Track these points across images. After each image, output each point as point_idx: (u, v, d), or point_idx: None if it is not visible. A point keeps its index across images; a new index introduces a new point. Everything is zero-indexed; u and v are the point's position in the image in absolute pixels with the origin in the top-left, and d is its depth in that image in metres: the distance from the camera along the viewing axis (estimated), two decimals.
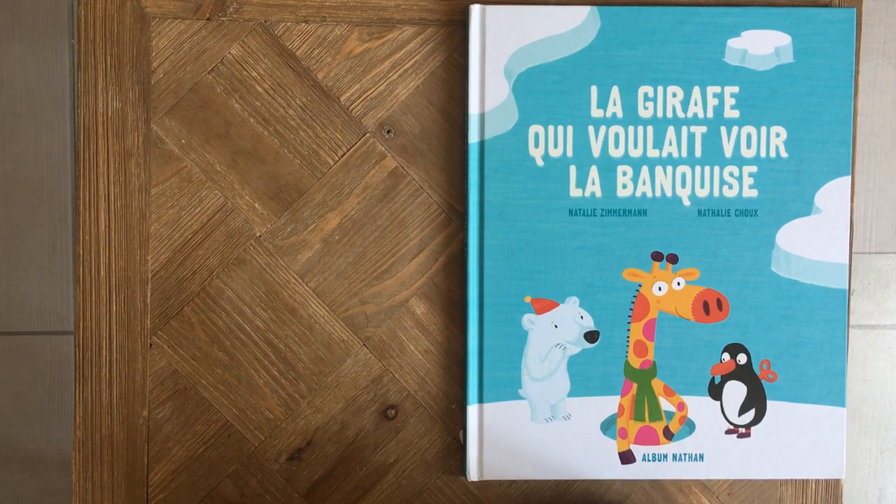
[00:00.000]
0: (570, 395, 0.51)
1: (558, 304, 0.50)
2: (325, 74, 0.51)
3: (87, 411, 0.51)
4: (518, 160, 0.50)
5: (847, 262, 0.51)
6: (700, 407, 0.51)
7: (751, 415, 0.51)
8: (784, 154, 0.50)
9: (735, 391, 0.51)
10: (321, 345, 0.51)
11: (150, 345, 0.51)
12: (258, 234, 0.51)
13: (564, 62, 0.50)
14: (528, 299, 0.50)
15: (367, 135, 0.51)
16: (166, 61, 0.51)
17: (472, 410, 0.50)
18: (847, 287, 0.51)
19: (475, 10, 0.50)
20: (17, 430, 1.14)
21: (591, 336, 0.50)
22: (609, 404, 0.51)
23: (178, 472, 0.51)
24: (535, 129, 0.50)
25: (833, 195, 0.51)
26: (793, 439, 0.51)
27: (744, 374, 0.51)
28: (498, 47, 0.50)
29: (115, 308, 0.51)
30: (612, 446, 0.51)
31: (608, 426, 0.51)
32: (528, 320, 0.50)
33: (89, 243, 0.51)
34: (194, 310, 0.51)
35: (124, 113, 0.51)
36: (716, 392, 0.51)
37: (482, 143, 0.50)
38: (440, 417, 0.52)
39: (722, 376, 0.51)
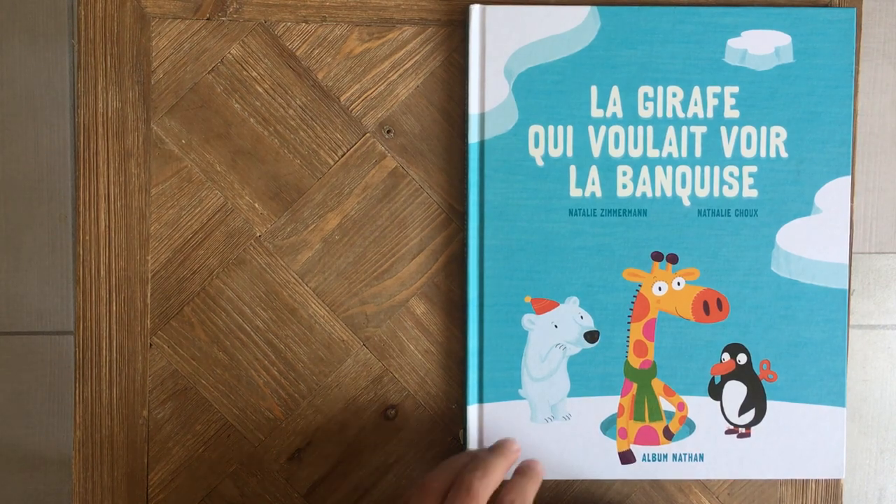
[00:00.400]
0: (570, 395, 0.51)
1: (558, 304, 0.50)
2: (325, 74, 0.51)
3: (87, 411, 0.51)
4: (518, 160, 0.50)
5: (847, 262, 0.51)
6: (700, 407, 0.51)
7: (751, 415, 0.51)
8: (784, 154, 0.50)
9: (735, 391, 0.51)
10: (321, 345, 0.51)
11: (150, 345, 0.51)
12: (258, 234, 0.51)
13: (564, 62, 0.50)
14: (528, 299, 0.50)
15: (367, 135, 0.51)
16: (166, 61, 0.51)
17: (472, 410, 0.50)
18: (847, 287, 0.51)
19: (475, 10, 0.50)
20: (17, 430, 1.14)
21: (591, 336, 0.50)
22: (609, 404, 0.51)
23: (178, 472, 0.51)
24: (535, 129, 0.50)
25: (833, 195, 0.50)
26: (793, 439, 0.51)
27: (744, 374, 0.51)
28: (498, 47, 0.50)
29: (115, 308, 0.51)
30: (612, 446, 0.51)
31: (608, 426, 0.51)
32: (528, 320, 0.50)
33: (89, 243, 0.51)
34: (194, 310, 0.51)
35: (124, 113, 0.51)
36: (716, 392, 0.51)
37: (482, 143, 0.50)
38: (440, 417, 0.52)
39: (722, 376, 0.51)
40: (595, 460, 0.51)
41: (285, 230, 0.51)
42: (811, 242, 0.50)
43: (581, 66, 0.50)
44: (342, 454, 0.52)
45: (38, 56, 1.13)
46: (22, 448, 1.14)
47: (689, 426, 0.51)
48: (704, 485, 0.52)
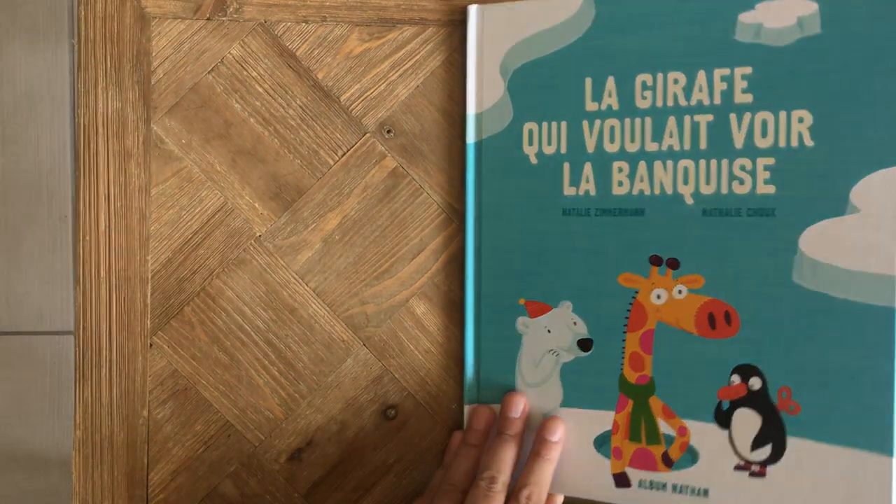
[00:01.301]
0: (563, 404, 0.48)
1: (551, 308, 0.48)
2: (325, 74, 0.51)
3: (87, 411, 0.51)
4: (513, 159, 0.49)
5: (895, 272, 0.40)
6: (704, 434, 0.45)
7: (766, 451, 0.43)
8: (809, 142, 0.42)
9: (746, 421, 0.44)
10: (321, 345, 0.51)
11: (150, 345, 0.51)
12: (258, 234, 0.51)
13: (558, 55, 0.47)
14: (522, 301, 0.49)
15: (367, 135, 0.51)
16: (166, 61, 0.51)
17: (470, 411, 0.50)
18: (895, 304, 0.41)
19: (473, 10, 0.50)
20: (17, 430, 1.14)
21: (584, 344, 0.47)
22: (603, 419, 0.47)
23: (178, 472, 0.51)
24: (528, 126, 0.48)
25: (875, 190, 0.41)
26: (819, 487, 0.42)
27: (758, 401, 0.43)
28: (494, 45, 0.49)
29: (115, 308, 0.51)
30: (607, 466, 0.47)
31: (602, 443, 0.47)
32: (523, 323, 0.48)
33: (89, 243, 0.51)
34: (194, 310, 0.51)
35: (124, 113, 0.51)
36: (723, 419, 0.44)
37: (480, 143, 0.50)
38: (440, 417, 0.52)
39: (731, 402, 0.44)
40: (588, 479, 0.47)
41: (285, 230, 0.51)
42: (846, 248, 0.41)
43: (575, 57, 0.47)
44: (342, 454, 0.52)
45: (38, 56, 1.13)
46: (22, 448, 1.14)
47: (692, 455, 0.45)
48: None
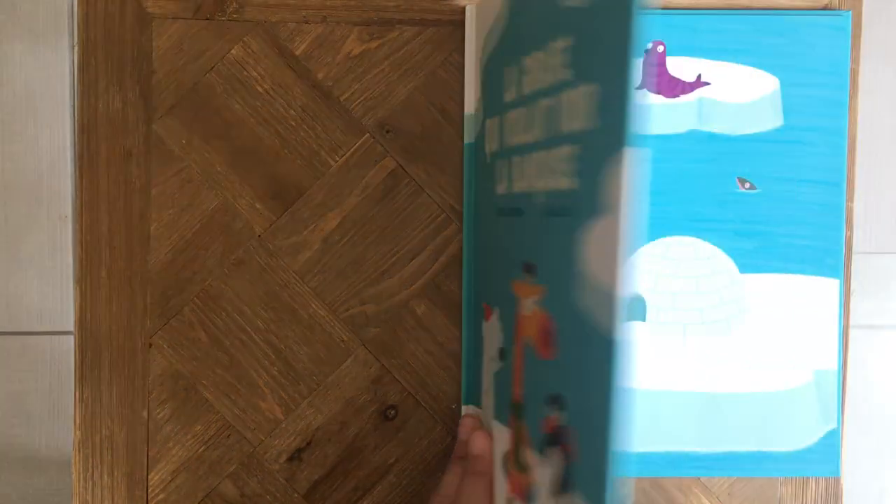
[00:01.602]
0: (494, 416, 0.44)
1: (493, 313, 0.45)
2: (325, 74, 0.51)
3: (87, 411, 0.51)
4: (481, 158, 0.48)
5: (623, 295, 0.29)
6: (539, 470, 0.37)
7: (565, 502, 0.34)
8: (597, 123, 0.32)
9: (554, 461, 0.35)
10: (321, 345, 0.51)
11: (150, 345, 0.51)
12: (258, 234, 0.51)
13: (500, 44, 0.43)
14: (484, 305, 0.47)
15: (367, 135, 0.51)
16: (166, 61, 0.51)
17: (467, 411, 0.50)
18: (618, 338, 0.30)
19: (471, 10, 0.49)
20: (16, 430, 1.14)
21: (501, 353, 0.43)
22: (506, 437, 0.41)
23: (178, 472, 0.51)
24: (488, 122, 0.46)
25: (621, 181, 0.30)
26: None
27: (563, 439, 0.34)
28: (479, 42, 0.48)
29: (115, 308, 0.51)
30: (504, 489, 0.41)
31: (505, 462, 0.42)
32: (484, 327, 0.47)
33: (89, 243, 0.51)
34: (194, 310, 0.51)
35: (124, 113, 0.51)
36: (545, 455, 0.36)
37: (474, 143, 0.50)
38: (440, 417, 0.52)
39: (550, 435, 0.36)
40: (498, 498, 0.42)
41: (285, 230, 0.51)
42: (603, 257, 0.31)
43: (503, 45, 0.43)
44: (342, 454, 0.52)
45: (38, 56, 1.13)
46: (22, 448, 1.14)
47: (535, 492, 0.37)
48: (704, 484, 0.52)
